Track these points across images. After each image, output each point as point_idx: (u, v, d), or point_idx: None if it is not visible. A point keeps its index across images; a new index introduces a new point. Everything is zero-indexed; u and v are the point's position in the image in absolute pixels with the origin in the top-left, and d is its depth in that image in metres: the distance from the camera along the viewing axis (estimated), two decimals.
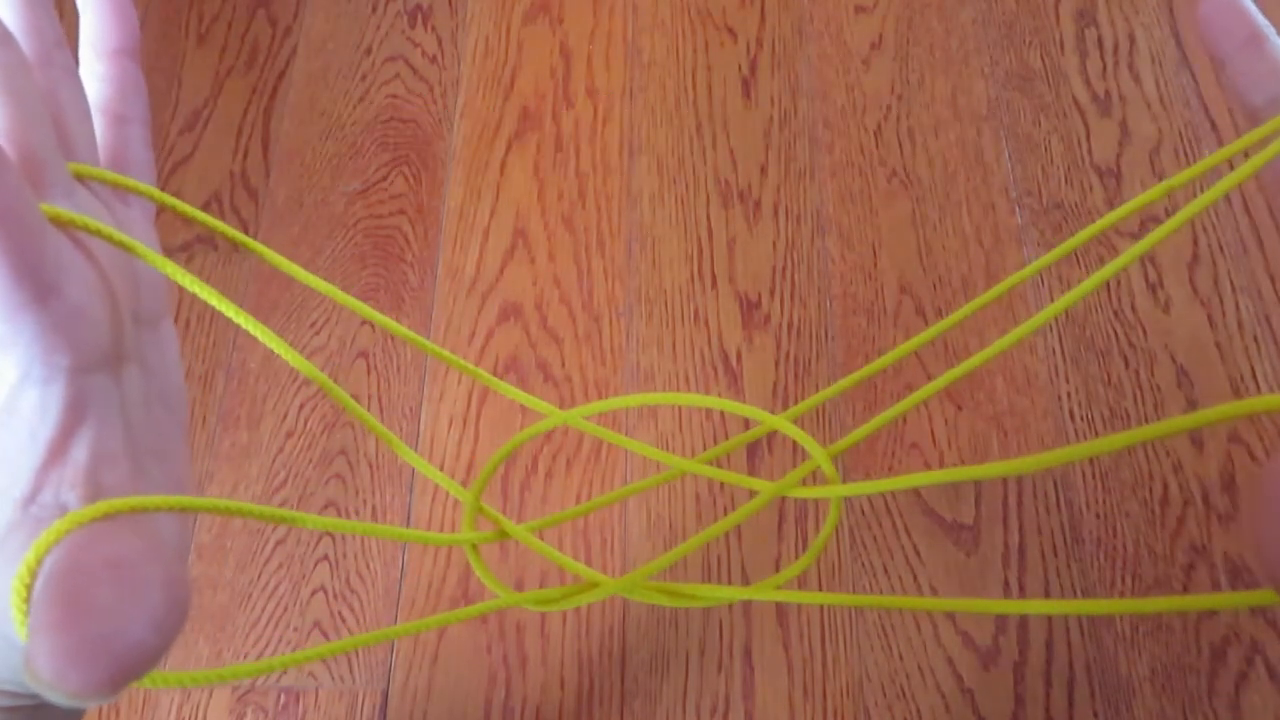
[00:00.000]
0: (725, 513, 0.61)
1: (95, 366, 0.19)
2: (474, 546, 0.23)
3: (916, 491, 0.61)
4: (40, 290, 0.17)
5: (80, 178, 0.21)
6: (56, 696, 0.13)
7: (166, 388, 0.22)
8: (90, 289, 0.19)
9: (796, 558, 0.60)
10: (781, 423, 0.23)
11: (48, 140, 0.19)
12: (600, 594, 0.23)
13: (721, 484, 0.62)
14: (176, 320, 0.68)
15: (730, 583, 0.59)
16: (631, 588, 0.23)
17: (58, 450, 0.18)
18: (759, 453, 0.62)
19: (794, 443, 0.63)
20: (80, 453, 0.18)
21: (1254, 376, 0.63)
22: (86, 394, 0.18)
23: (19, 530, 0.17)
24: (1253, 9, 0.26)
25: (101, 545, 0.15)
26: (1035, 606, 0.19)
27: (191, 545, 0.62)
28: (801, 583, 0.59)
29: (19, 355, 0.18)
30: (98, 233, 0.19)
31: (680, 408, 0.64)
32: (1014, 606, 0.20)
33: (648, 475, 0.62)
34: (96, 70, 0.23)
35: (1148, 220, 0.69)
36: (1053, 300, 0.66)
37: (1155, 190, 0.23)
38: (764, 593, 0.24)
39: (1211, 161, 0.25)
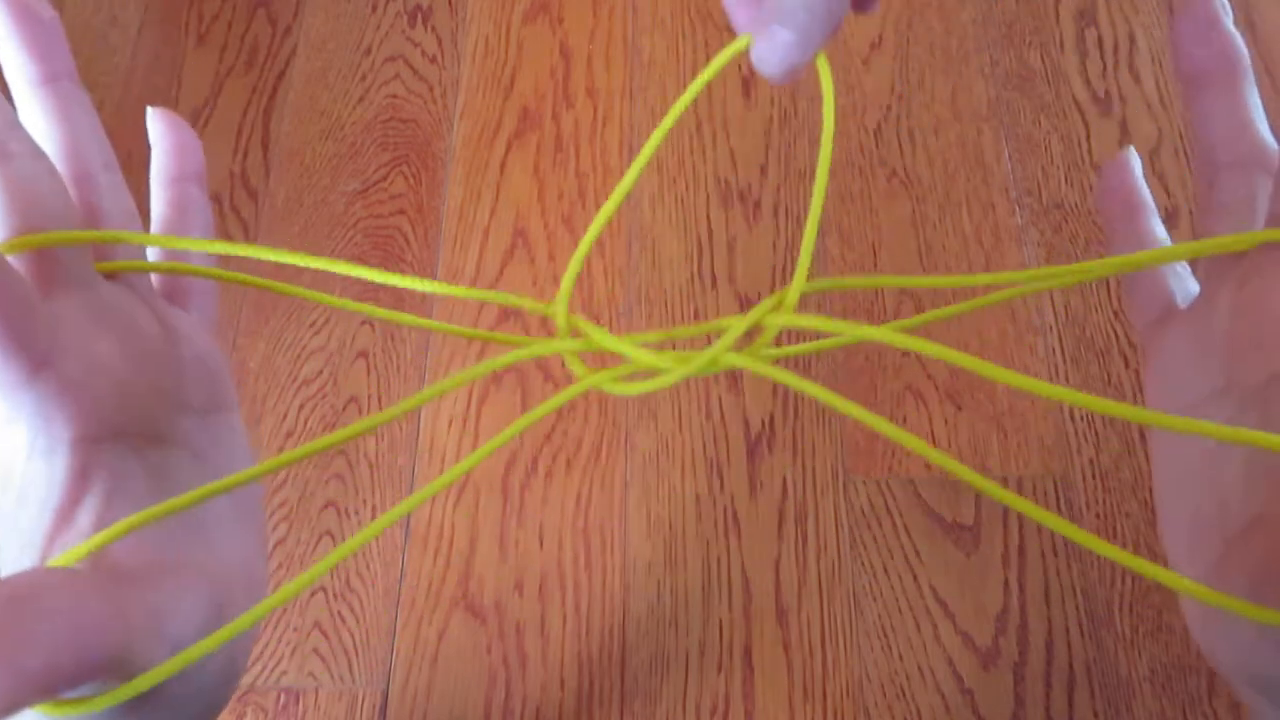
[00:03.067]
0: (726, 512, 0.61)
1: (104, 438, 0.20)
2: (573, 353, 0.23)
3: (917, 492, 0.61)
4: (34, 365, 0.18)
5: (116, 271, 0.22)
6: None
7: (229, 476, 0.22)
8: (91, 365, 0.20)
9: (797, 558, 0.60)
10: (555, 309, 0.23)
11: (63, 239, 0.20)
12: (669, 379, 0.23)
13: (722, 484, 0.62)
14: None
15: (730, 582, 0.59)
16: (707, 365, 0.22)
17: (64, 518, 0.19)
18: (759, 452, 0.62)
19: (795, 441, 0.63)
20: (85, 520, 0.19)
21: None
22: (94, 464, 0.19)
23: None
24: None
25: (21, 585, 0.16)
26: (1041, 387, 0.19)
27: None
28: (801, 583, 0.59)
29: (23, 429, 0.19)
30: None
31: (680, 408, 0.64)
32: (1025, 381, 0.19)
33: (647, 475, 0.62)
34: (160, 195, 0.25)
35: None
36: (1051, 300, 0.67)
37: (1082, 267, 0.23)
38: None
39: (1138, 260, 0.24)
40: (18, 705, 0.15)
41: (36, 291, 0.19)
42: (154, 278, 0.24)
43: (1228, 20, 0.23)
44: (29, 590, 0.16)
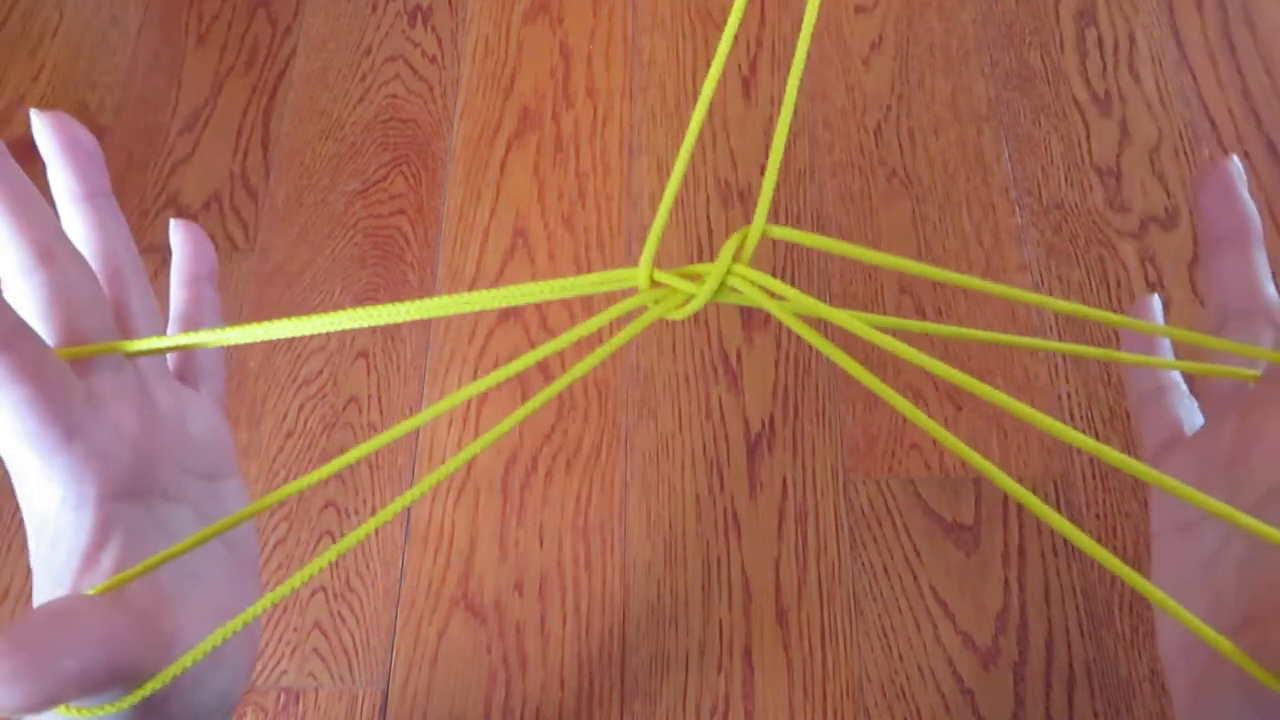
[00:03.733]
0: (725, 512, 0.61)
1: (123, 496, 0.23)
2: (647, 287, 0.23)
3: (917, 492, 0.61)
4: (68, 432, 0.22)
5: (134, 354, 0.25)
6: (3, 707, 0.18)
7: (229, 533, 0.26)
8: (112, 434, 0.23)
9: (797, 558, 0.60)
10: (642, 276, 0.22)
11: (98, 328, 0.24)
12: (698, 303, 0.23)
13: (722, 484, 0.62)
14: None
15: (730, 582, 0.59)
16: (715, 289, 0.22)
17: (89, 561, 0.22)
18: (759, 452, 0.62)
19: (795, 441, 0.63)
20: (107, 563, 0.22)
21: None
22: (113, 517, 0.23)
23: None
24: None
25: (57, 604, 0.20)
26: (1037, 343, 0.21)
27: None
28: (801, 583, 0.59)
29: (57, 486, 0.22)
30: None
31: (680, 408, 0.64)
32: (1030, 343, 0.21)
33: (647, 475, 0.62)
34: (178, 293, 0.30)
35: (1148, 220, 0.69)
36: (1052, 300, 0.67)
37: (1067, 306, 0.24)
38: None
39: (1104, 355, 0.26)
40: (54, 700, 0.18)
41: (73, 374, 0.23)
42: (170, 361, 0.29)
43: (1244, 190, 0.27)
44: (66, 609, 0.20)
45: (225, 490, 0.28)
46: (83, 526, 0.22)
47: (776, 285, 0.21)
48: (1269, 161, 0.70)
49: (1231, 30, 0.76)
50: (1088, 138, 0.72)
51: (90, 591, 0.21)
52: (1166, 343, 0.30)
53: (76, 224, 0.26)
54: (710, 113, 0.75)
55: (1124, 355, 0.26)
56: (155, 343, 0.24)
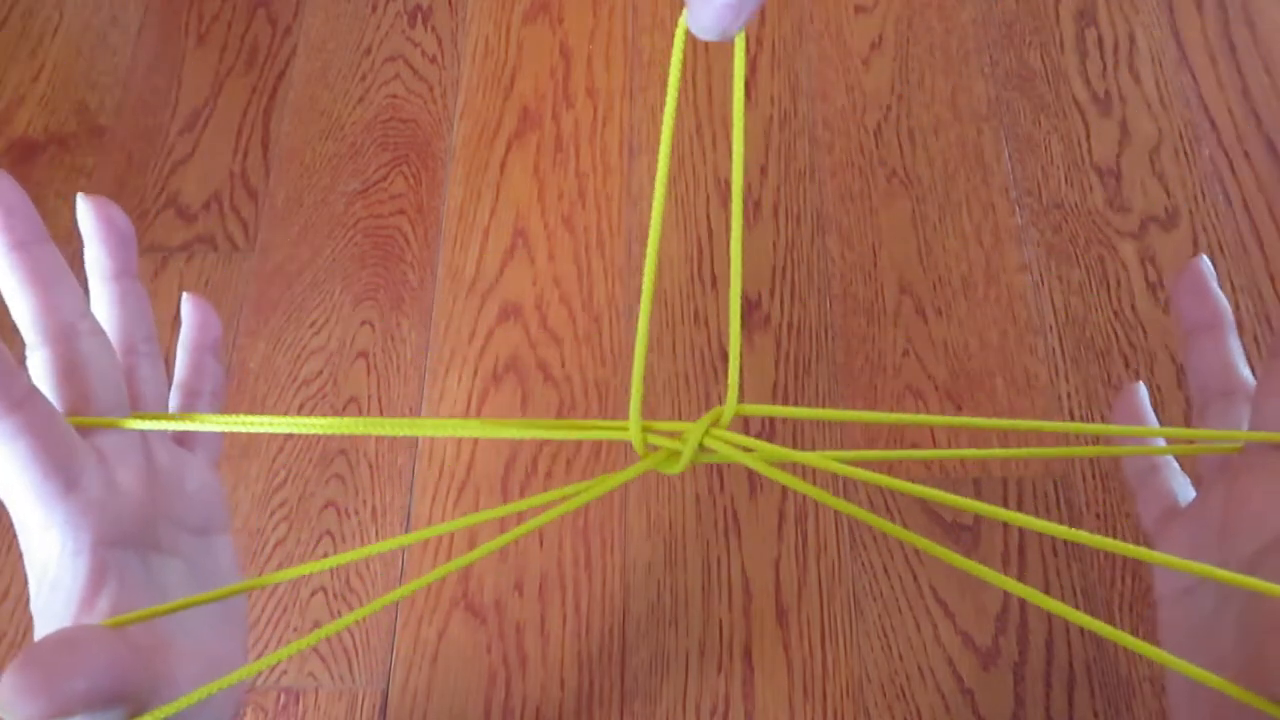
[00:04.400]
0: (725, 512, 0.61)
1: (118, 544, 0.25)
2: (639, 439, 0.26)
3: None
4: (67, 484, 0.25)
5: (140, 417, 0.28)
6: (14, 717, 0.20)
7: (217, 585, 0.29)
8: (111, 488, 0.26)
9: (797, 558, 0.60)
10: (634, 432, 0.26)
11: (109, 395, 0.27)
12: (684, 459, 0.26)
13: (722, 484, 0.62)
14: (177, 320, 0.68)
15: (730, 582, 0.59)
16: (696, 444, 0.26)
17: (87, 604, 0.24)
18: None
19: (795, 441, 0.63)
20: (103, 605, 0.24)
21: (1254, 377, 0.63)
22: (108, 563, 0.25)
23: None
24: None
25: (66, 632, 0.22)
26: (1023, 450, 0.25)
27: None
28: (801, 583, 0.59)
29: (56, 534, 0.25)
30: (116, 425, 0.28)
31: (680, 408, 0.64)
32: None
33: (647, 476, 0.62)
34: (183, 360, 0.33)
35: (1148, 220, 0.69)
36: (1051, 301, 0.67)
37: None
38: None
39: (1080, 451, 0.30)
40: (62, 715, 0.20)
41: (76, 434, 0.25)
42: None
43: (1214, 285, 0.31)
44: (77, 636, 0.22)
45: (216, 545, 0.30)
46: (79, 571, 0.25)
47: (747, 441, 0.25)
48: (1269, 161, 0.70)
49: (1231, 30, 0.76)
50: (1088, 138, 0.72)
51: (103, 625, 0.23)
52: (1155, 424, 0.34)
53: (102, 299, 0.29)
54: (710, 113, 0.75)
55: (1117, 449, 0.30)
56: (148, 423, 0.28)
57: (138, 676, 0.22)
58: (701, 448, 0.26)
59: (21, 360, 0.26)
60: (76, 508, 0.25)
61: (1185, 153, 0.71)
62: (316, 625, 0.59)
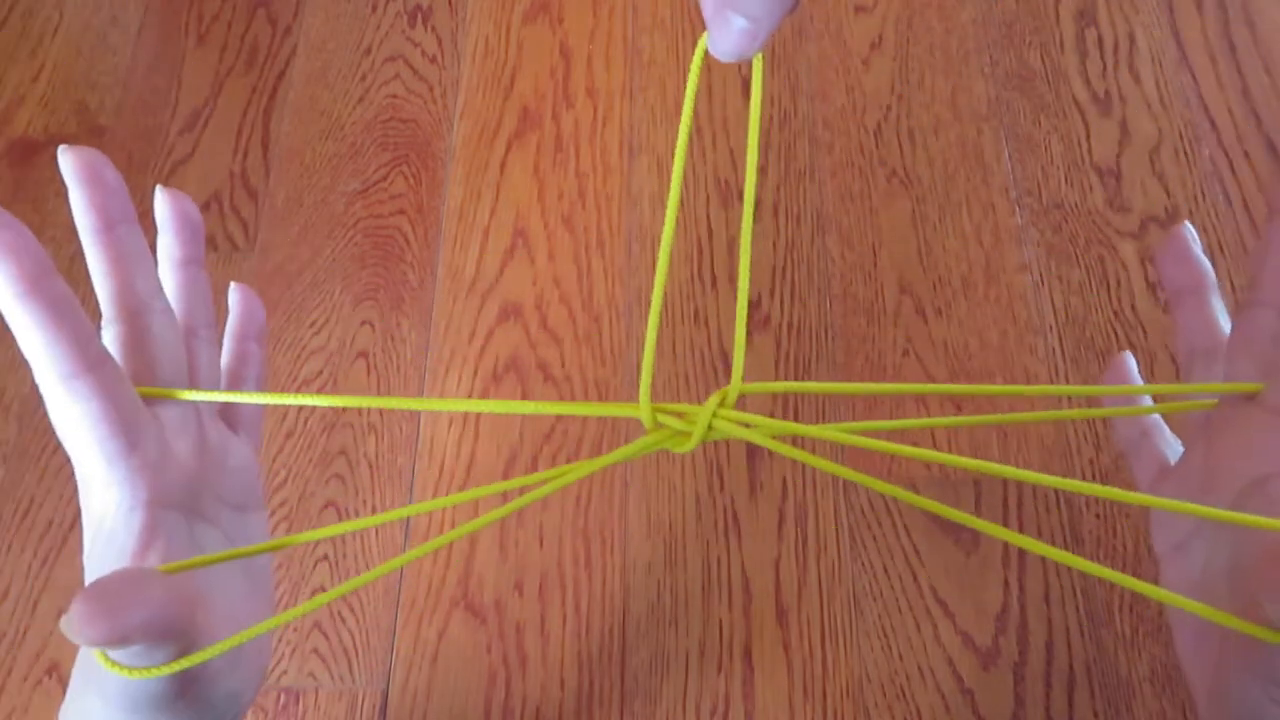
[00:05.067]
0: (725, 512, 0.61)
1: (168, 505, 0.27)
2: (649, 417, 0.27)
3: (917, 492, 0.61)
4: (130, 444, 0.26)
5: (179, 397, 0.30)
6: (80, 640, 0.22)
7: (250, 560, 0.30)
8: (167, 454, 0.28)
9: (797, 558, 0.60)
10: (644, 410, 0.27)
11: (171, 369, 0.29)
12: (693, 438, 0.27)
13: (722, 484, 0.62)
14: None
15: (730, 582, 0.59)
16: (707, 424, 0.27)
17: (139, 556, 0.26)
18: (759, 452, 0.62)
19: (795, 440, 0.63)
20: (153, 559, 0.26)
21: None
22: (159, 522, 0.27)
23: None
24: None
25: (130, 570, 0.24)
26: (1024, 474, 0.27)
27: None
28: (801, 583, 0.59)
29: (115, 491, 0.27)
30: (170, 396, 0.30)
31: None
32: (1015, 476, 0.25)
33: (647, 475, 0.62)
34: (229, 347, 0.35)
35: (1148, 220, 0.69)
36: (1051, 301, 0.67)
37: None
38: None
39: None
40: (122, 642, 0.22)
41: (142, 402, 0.27)
42: (219, 408, 0.33)
43: (1198, 249, 0.33)
44: (137, 574, 0.24)
45: (251, 521, 0.32)
46: (134, 526, 0.27)
47: (751, 418, 0.27)
48: (1269, 161, 0.70)
49: (1231, 30, 0.76)
50: (1088, 138, 0.72)
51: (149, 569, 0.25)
52: (1219, 304, 0.35)
53: (170, 282, 0.32)
54: (710, 113, 0.75)
55: (1106, 410, 0.31)
56: (203, 395, 0.30)
57: (187, 620, 0.24)
58: (709, 428, 0.27)
59: (98, 331, 0.28)
60: (136, 467, 0.27)
61: (1185, 153, 0.71)
62: (316, 625, 0.59)
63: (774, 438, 0.27)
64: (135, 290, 0.28)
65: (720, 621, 0.58)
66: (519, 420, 0.64)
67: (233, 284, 0.36)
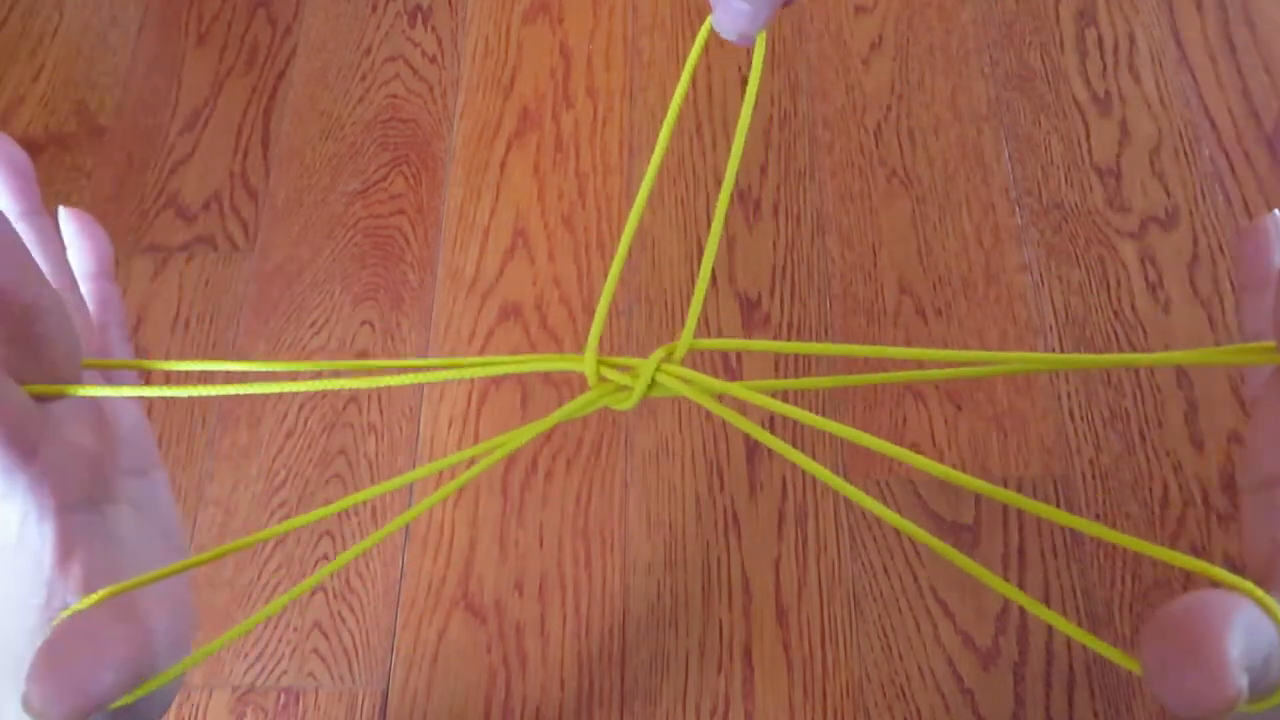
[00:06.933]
0: (725, 512, 0.61)
1: (79, 507, 0.25)
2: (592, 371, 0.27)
3: (917, 492, 0.61)
4: (25, 453, 0.24)
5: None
6: None
7: (162, 522, 0.29)
8: (65, 451, 0.25)
9: (797, 558, 0.60)
10: (589, 361, 0.27)
11: (66, 360, 0.26)
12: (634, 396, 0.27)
13: (722, 484, 0.62)
14: (176, 319, 0.68)
15: (730, 582, 0.59)
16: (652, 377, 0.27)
17: (60, 568, 0.24)
18: (759, 452, 0.62)
19: (795, 441, 0.63)
20: (77, 569, 0.24)
21: None
22: (74, 527, 0.25)
23: (42, 628, 0.24)
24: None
25: (79, 623, 0.22)
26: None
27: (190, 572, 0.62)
28: (801, 583, 0.59)
29: (18, 503, 0.24)
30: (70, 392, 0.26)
31: (680, 408, 0.64)
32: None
33: (647, 475, 0.62)
34: (84, 289, 0.31)
35: (1148, 220, 0.69)
36: (1051, 301, 0.67)
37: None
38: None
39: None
40: (101, 709, 0.20)
41: (30, 401, 0.25)
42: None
43: None
44: (88, 625, 0.22)
45: (155, 482, 0.30)
46: (47, 537, 0.25)
47: (690, 375, 0.27)
48: (1269, 161, 0.70)
49: (1231, 30, 0.76)
50: (1088, 138, 0.72)
51: (86, 603, 0.23)
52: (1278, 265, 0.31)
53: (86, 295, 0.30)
54: (710, 113, 0.75)
55: (1111, 358, 0.28)
56: (118, 363, 0.27)
57: (149, 650, 0.23)
58: (652, 383, 0.27)
59: None
60: (37, 475, 0.24)
61: (1185, 153, 0.71)
62: (316, 625, 0.59)
63: (715, 397, 0.27)
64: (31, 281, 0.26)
65: (720, 621, 0.58)
66: (519, 421, 0.64)
67: (63, 210, 0.31)
